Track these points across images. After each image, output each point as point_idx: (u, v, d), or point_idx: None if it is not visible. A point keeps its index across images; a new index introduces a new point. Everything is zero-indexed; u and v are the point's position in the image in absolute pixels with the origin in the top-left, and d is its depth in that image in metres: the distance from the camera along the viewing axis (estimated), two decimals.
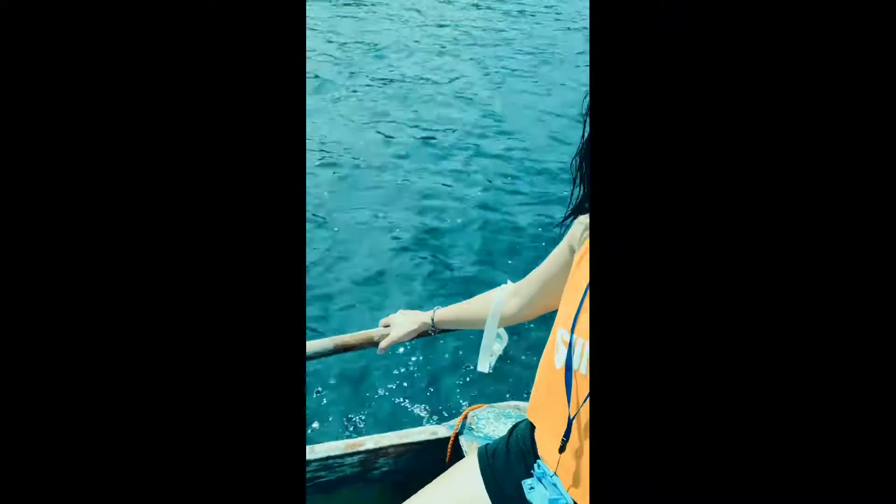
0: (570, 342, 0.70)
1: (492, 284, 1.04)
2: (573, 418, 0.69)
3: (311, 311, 2.49)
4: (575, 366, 0.69)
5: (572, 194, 0.73)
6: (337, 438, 1.15)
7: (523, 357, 2.15)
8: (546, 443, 0.76)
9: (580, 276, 0.74)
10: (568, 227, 0.83)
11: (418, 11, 8.00)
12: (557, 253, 0.88)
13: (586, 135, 0.68)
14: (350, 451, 1.08)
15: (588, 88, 0.62)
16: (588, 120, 0.66)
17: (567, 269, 0.81)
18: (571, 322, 0.70)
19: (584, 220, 0.79)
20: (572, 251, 0.82)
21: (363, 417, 2.05)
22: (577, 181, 0.72)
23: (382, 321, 1.11)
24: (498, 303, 0.96)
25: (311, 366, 1.63)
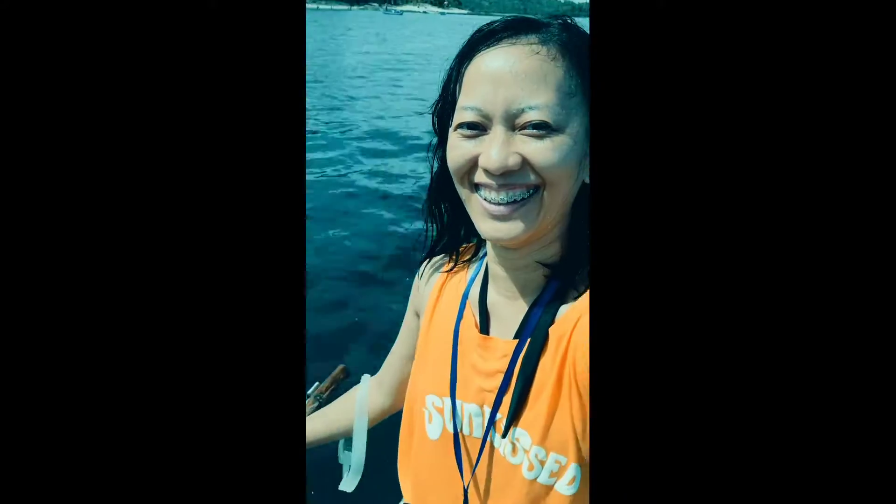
0: (452, 407, 0.65)
1: None
2: (468, 487, 0.64)
3: None
4: (466, 431, 0.65)
5: (426, 236, 0.70)
6: None
7: None
8: None
9: (437, 335, 0.70)
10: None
11: None
12: (407, 326, 0.81)
13: (435, 170, 0.65)
14: None
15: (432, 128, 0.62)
16: (435, 156, 0.65)
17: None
18: (448, 385, 0.66)
19: (425, 274, 0.76)
20: (419, 316, 0.77)
21: None
22: (430, 222, 0.69)
23: None
24: (362, 400, 0.84)
25: None
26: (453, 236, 0.69)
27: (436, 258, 0.74)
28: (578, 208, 0.58)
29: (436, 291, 0.72)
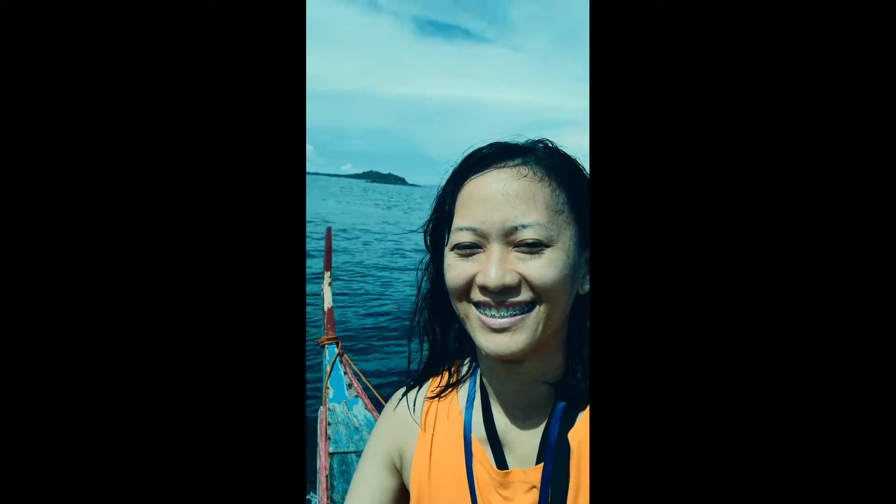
0: None
1: None
2: None
3: None
4: None
5: (410, 358, 0.67)
6: None
7: None
8: None
9: (442, 482, 0.64)
10: None
11: None
12: (376, 480, 0.69)
13: (426, 288, 0.65)
14: None
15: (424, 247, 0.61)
16: (426, 274, 0.64)
17: (400, 495, 0.68)
18: None
19: (413, 405, 0.69)
20: (395, 468, 0.69)
21: None
22: (424, 340, 0.66)
23: None
24: None
25: None
26: (445, 354, 0.68)
27: (419, 390, 0.69)
28: (576, 317, 0.59)
29: (428, 429, 0.67)
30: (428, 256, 0.65)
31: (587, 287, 0.59)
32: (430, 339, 0.67)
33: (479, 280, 0.54)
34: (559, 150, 0.59)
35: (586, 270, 0.58)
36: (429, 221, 0.63)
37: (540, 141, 0.60)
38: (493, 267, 0.53)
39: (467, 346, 0.67)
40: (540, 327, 0.54)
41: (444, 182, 0.60)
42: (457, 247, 0.56)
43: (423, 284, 0.65)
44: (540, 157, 0.57)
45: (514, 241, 0.53)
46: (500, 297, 0.53)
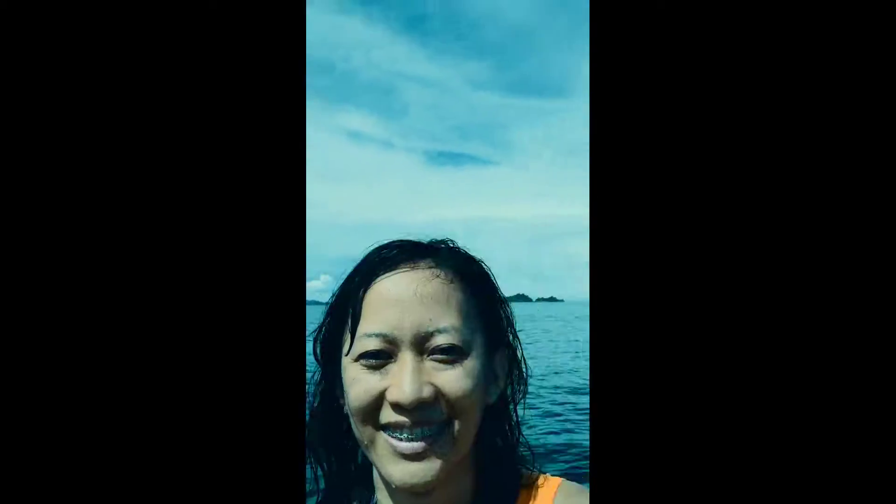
0: None
1: None
2: None
3: None
4: None
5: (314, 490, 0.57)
6: None
7: None
8: None
9: None
10: None
11: None
12: None
13: (316, 408, 0.57)
14: None
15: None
16: (318, 392, 0.56)
17: None
18: None
19: None
20: None
21: None
22: (317, 471, 0.57)
23: None
24: None
25: None
26: (344, 489, 0.58)
27: None
28: (485, 433, 0.53)
29: None
30: (319, 371, 0.56)
31: (494, 397, 0.53)
32: (325, 472, 0.57)
33: (392, 396, 0.47)
34: (461, 251, 0.54)
35: (493, 378, 0.53)
36: (320, 328, 0.54)
37: (443, 241, 0.55)
38: (408, 379, 0.46)
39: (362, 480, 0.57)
40: (454, 449, 0.48)
41: (341, 283, 0.53)
42: (363, 357, 0.48)
43: (315, 403, 0.56)
44: (445, 258, 0.52)
45: (429, 349, 0.48)
46: (415, 416, 0.46)
